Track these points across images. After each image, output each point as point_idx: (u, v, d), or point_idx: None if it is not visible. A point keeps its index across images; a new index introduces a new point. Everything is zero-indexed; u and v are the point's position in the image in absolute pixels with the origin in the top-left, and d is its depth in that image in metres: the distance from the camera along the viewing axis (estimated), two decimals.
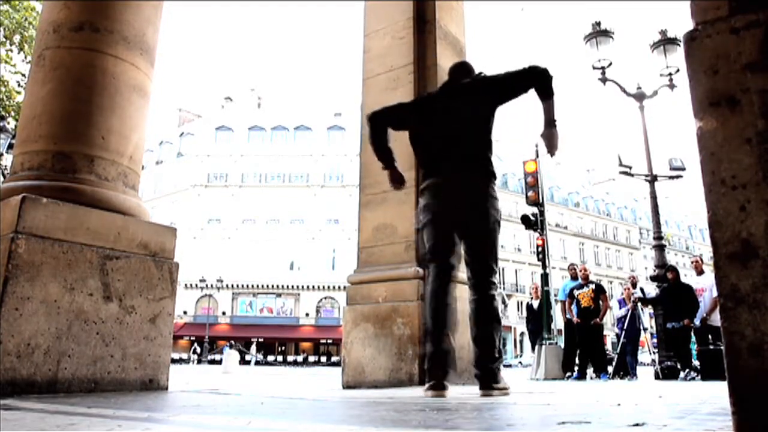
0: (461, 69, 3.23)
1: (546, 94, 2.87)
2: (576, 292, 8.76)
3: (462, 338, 4.15)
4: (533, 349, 10.20)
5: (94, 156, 2.98)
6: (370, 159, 4.79)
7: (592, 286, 8.77)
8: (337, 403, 2.53)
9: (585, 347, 8.57)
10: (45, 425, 1.47)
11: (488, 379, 2.80)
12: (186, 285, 38.70)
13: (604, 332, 9.65)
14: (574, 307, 8.75)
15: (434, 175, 3.01)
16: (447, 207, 2.95)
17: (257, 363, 33.51)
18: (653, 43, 9.45)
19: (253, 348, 36.54)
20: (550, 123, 2.90)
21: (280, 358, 40.18)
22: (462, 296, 4.28)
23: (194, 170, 43.07)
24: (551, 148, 2.93)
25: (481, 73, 3.12)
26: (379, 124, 3.22)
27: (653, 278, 9.07)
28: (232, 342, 31.89)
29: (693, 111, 1.11)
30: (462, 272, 4.35)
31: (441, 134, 3.01)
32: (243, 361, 34.25)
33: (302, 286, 40.73)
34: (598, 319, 8.49)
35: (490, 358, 2.83)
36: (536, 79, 2.87)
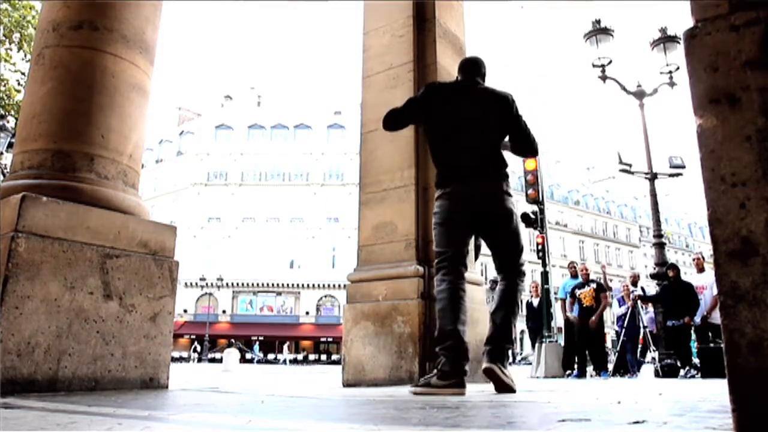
0: (475, 67, 3.29)
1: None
2: (578, 292, 8.76)
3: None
4: (533, 347, 10.21)
5: (94, 155, 2.97)
6: (370, 157, 4.78)
7: (594, 285, 8.77)
8: (338, 402, 2.53)
9: (585, 345, 8.57)
10: (46, 424, 1.47)
11: (500, 355, 2.92)
12: (186, 283, 38.70)
13: (605, 330, 9.63)
14: (576, 307, 8.75)
15: (453, 177, 3.09)
16: (466, 208, 3.05)
17: (292, 362, 33.20)
18: (653, 41, 9.44)
19: (285, 348, 36.21)
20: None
21: (280, 356, 40.22)
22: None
23: (194, 169, 43.04)
24: None
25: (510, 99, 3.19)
26: (390, 126, 3.38)
27: (653, 276, 9.07)
28: (232, 341, 31.85)
29: (693, 108, 1.11)
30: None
31: (460, 138, 3.08)
32: (267, 361, 34.10)
33: (302, 285, 40.72)
34: (594, 318, 8.44)
35: (504, 337, 2.99)
36: (527, 152, 3.40)
